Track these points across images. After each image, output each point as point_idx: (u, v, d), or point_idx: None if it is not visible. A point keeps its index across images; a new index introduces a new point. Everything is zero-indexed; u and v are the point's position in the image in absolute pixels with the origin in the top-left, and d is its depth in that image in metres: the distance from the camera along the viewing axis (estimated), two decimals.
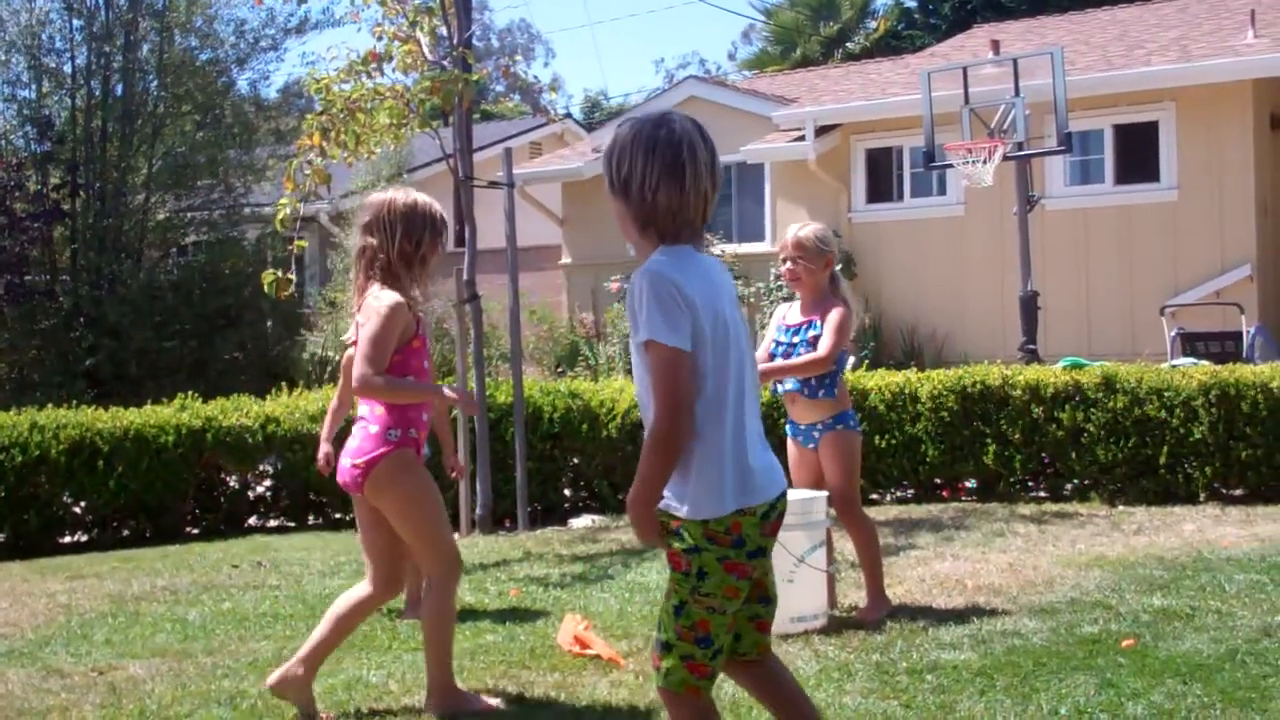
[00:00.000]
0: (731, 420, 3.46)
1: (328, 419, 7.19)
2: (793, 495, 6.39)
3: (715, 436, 3.44)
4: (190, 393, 11.53)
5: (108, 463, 10.57)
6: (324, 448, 7.13)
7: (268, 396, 11.56)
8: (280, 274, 9.45)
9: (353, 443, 5.06)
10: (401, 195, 5.13)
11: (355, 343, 5.06)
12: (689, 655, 3.49)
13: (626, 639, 5.99)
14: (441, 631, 5.07)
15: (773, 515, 3.52)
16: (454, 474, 6.90)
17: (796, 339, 6.31)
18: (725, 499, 3.42)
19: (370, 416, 5.04)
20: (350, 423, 5.39)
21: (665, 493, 3.45)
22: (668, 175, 3.46)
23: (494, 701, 5.11)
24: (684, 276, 3.41)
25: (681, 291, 3.38)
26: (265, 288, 9.38)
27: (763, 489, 3.49)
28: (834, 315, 6.21)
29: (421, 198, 5.18)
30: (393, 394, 4.95)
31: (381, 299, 4.93)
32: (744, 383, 3.52)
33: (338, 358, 20.55)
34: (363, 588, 5.16)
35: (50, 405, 11.65)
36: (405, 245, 5.05)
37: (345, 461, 5.05)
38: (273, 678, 5.10)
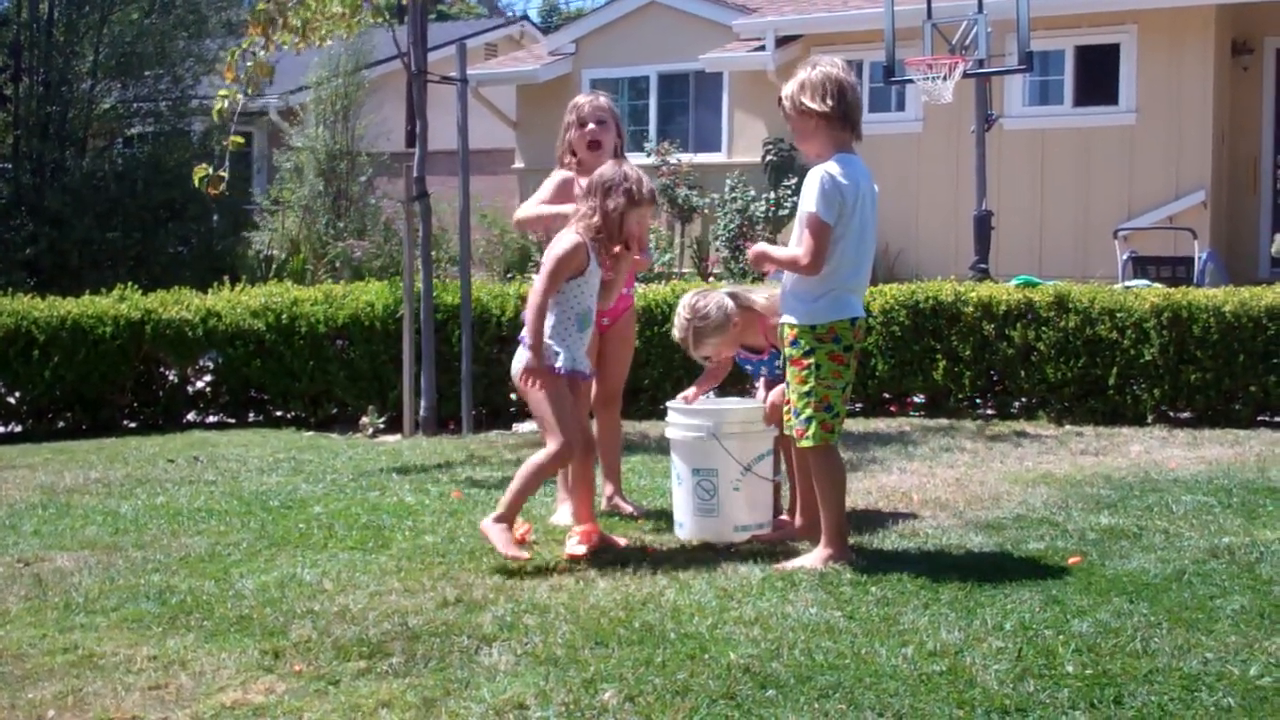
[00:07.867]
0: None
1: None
2: (741, 404, 6.33)
3: None
4: (130, 284, 11.29)
5: (43, 352, 10.37)
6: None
7: (209, 291, 11.33)
8: (211, 170, 9.10)
9: None
10: None
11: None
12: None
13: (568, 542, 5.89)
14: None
15: None
16: None
17: None
18: None
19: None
20: None
21: None
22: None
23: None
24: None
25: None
26: (196, 183, 9.04)
27: None
28: None
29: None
30: None
31: None
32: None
33: (283, 255, 20.39)
34: None
35: None
36: None
37: None
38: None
